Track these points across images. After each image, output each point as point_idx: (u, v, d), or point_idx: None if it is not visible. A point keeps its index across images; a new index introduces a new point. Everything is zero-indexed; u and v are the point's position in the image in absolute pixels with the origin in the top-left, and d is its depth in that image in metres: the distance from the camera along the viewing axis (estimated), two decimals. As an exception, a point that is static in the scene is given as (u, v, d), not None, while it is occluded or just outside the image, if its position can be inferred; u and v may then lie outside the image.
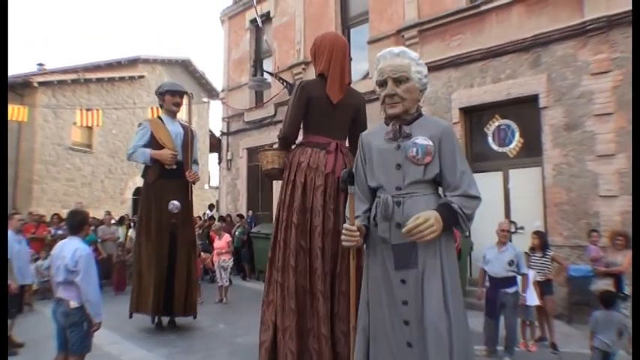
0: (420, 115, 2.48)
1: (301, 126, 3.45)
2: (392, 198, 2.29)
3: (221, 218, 12.32)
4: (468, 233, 8.33)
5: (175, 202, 5.94)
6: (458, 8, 9.08)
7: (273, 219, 3.39)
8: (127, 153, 6.37)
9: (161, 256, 6.02)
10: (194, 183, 6.41)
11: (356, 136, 3.35)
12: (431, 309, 2.17)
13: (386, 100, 2.41)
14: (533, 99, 8.04)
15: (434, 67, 9.39)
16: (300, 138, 3.53)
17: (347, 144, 3.55)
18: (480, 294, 5.69)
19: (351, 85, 3.66)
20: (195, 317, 6.42)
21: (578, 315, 6.97)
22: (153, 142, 6.14)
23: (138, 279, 6.15)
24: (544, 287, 5.90)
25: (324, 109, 3.28)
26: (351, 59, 3.88)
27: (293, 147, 3.47)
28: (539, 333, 6.07)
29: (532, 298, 5.70)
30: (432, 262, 2.24)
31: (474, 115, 9.11)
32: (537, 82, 7.97)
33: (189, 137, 6.42)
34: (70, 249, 3.64)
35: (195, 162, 6.66)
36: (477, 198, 2.32)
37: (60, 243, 3.96)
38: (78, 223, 3.87)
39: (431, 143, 2.30)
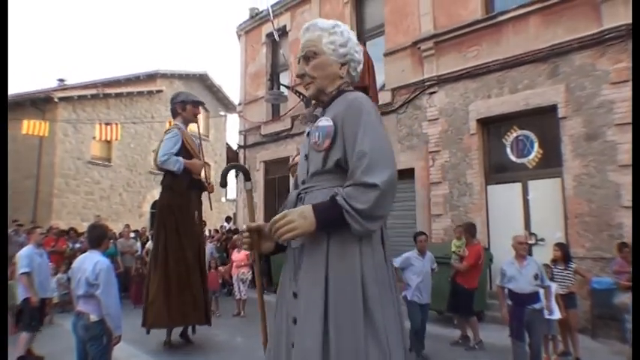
0: (340, 92, 2.01)
1: None
2: (296, 194, 1.98)
3: (237, 231, 12.31)
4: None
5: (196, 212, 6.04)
6: (474, 19, 9.06)
7: None
8: (160, 159, 6.05)
9: (186, 267, 5.99)
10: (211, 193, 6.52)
11: None
12: (299, 334, 1.77)
13: (300, 82, 2.09)
14: (551, 109, 7.96)
15: (451, 79, 9.39)
16: None
17: None
18: (505, 314, 5.38)
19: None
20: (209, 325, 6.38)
21: (602, 329, 6.81)
22: (184, 151, 6.13)
23: (165, 291, 5.97)
24: (567, 300, 5.77)
25: None
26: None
27: None
28: (562, 347, 5.94)
29: (555, 312, 5.57)
30: (311, 272, 1.80)
31: (492, 127, 9.03)
32: (556, 92, 7.89)
33: (202, 148, 6.57)
34: (91, 262, 3.67)
35: None
36: (375, 187, 1.67)
37: (81, 256, 4.00)
38: (97, 237, 3.92)
39: (331, 124, 1.86)
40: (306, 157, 1.99)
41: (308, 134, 2.01)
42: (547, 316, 5.41)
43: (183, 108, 6.40)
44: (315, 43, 2.01)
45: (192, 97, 6.73)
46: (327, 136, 1.85)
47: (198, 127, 6.95)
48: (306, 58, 2.03)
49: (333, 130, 1.84)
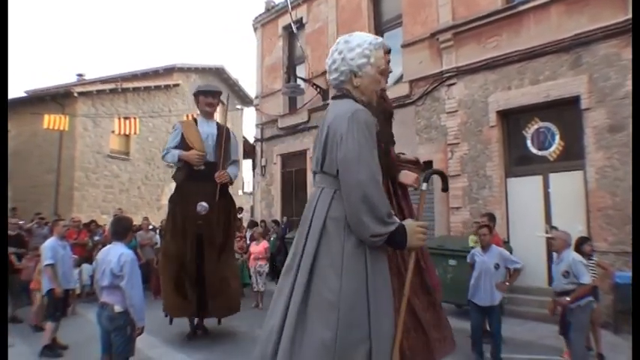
0: None
1: None
2: None
3: (253, 223, 12.34)
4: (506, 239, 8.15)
5: (203, 204, 5.88)
6: (494, 9, 8.93)
7: None
8: (162, 154, 6.45)
9: (184, 258, 5.98)
10: (225, 183, 6.28)
11: None
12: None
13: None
14: (574, 101, 7.82)
15: (469, 70, 9.28)
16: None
17: None
18: (551, 307, 5.18)
19: (386, 89, 3.50)
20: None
21: (625, 324, 6.71)
22: (183, 143, 6.13)
23: (164, 281, 6.14)
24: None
25: None
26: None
27: None
28: (585, 343, 5.85)
29: None
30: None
31: (512, 118, 8.92)
32: (578, 83, 7.75)
33: (222, 138, 6.29)
34: (116, 254, 3.72)
35: (234, 162, 6.57)
36: None
37: (105, 248, 4.05)
38: (122, 229, 3.96)
39: None
40: None
41: None
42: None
43: (197, 100, 6.48)
44: None
45: (201, 87, 6.72)
46: None
47: (224, 118, 6.77)
48: None
49: None
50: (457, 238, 8.38)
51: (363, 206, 1.90)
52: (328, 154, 2.07)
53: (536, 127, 8.55)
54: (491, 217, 6.92)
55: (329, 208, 2.05)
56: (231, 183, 6.45)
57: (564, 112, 8.15)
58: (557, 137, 8.27)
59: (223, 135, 6.32)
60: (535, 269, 7.80)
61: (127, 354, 3.86)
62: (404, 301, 2.07)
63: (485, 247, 5.55)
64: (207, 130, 6.31)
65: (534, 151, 8.55)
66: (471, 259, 5.77)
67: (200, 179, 6.08)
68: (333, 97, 2.28)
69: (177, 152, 6.08)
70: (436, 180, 9.64)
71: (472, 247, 6.95)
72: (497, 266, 5.37)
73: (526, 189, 8.53)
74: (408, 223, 2.03)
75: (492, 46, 9.00)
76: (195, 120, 6.50)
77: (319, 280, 2.00)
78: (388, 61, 2.33)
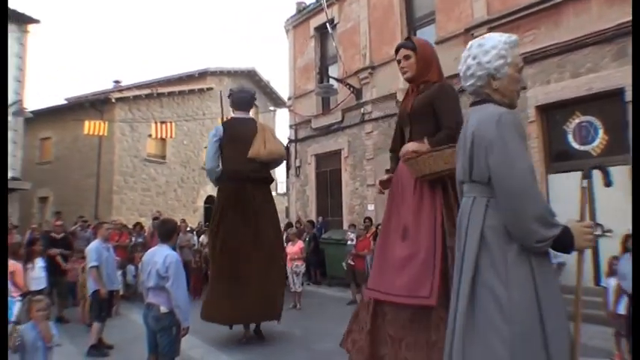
0: None
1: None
2: None
3: (288, 224, 12.39)
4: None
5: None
6: (530, 2, 8.70)
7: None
8: (206, 169, 6.74)
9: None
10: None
11: (448, 128, 3.17)
12: None
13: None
14: (617, 93, 7.54)
15: (506, 65, 9.07)
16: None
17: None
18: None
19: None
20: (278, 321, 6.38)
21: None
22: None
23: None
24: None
25: None
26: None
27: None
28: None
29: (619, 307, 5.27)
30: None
31: (552, 113, 8.67)
32: (622, 75, 7.46)
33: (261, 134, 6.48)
34: (161, 255, 3.79)
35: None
36: None
37: (150, 250, 4.13)
38: (168, 231, 4.04)
39: None
40: None
41: None
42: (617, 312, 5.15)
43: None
44: None
45: (235, 90, 6.85)
46: None
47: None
48: None
49: None
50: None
51: (525, 211, 1.84)
52: (476, 162, 2.01)
53: (577, 121, 8.29)
54: None
55: (485, 217, 1.99)
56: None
57: (607, 105, 7.87)
58: (601, 131, 8.00)
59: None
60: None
61: (173, 354, 3.92)
62: (576, 304, 2.07)
63: None
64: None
65: (576, 146, 8.29)
66: None
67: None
68: (472, 104, 2.21)
69: (213, 171, 6.40)
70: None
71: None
72: None
73: (568, 185, 8.25)
74: (572, 224, 1.96)
75: (529, 39, 8.78)
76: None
77: (484, 293, 1.94)
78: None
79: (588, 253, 7.81)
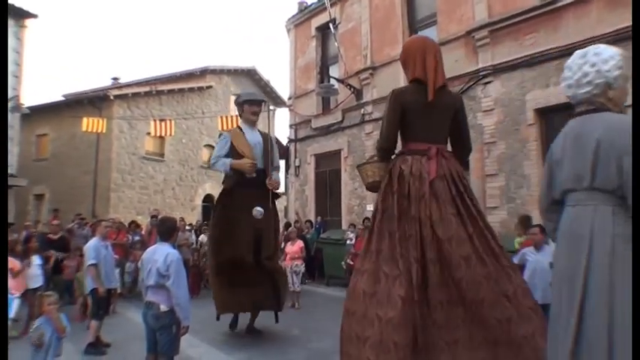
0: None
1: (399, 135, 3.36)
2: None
3: (287, 225, 12.38)
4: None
5: (259, 209, 5.98)
6: (532, 6, 8.74)
7: (369, 229, 3.29)
8: (211, 162, 6.61)
9: (242, 260, 6.06)
10: (275, 190, 6.47)
11: (460, 140, 3.19)
12: None
13: None
14: (616, 97, 7.58)
15: (506, 68, 9.12)
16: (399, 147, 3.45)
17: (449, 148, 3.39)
18: None
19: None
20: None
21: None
22: (233, 152, 6.25)
23: (217, 282, 6.27)
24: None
25: (420, 114, 3.14)
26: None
27: (393, 157, 3.36)
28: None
29: None
30: None
31: (551, 116, 8.70)
32: (622, 79, 7.50)
33: (268, 145, 6.46)
34: (162, 253, 3.79)
35: (276, 169, 6.71)
36: None
37: (151, 248, 4.13)
38: (168, 229, 4.04)
39: None
40: None
41: None
42: None
43: (241, 109, 6.60)
44: None
45: (246, 96, 6.84)
46: None
47: (269, 125, 7.08)
48: None
49: None
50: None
51: None
52: (602, 169, 1.97)
53: (576, 125, 8.31)
54: (522, 220, 6.80)
55: (613, 225, 1.94)
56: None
57: (607, 109, 7.91)
58: (599, 135, 8.04)
59: (268, 142, 6.49)
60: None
61: (173, 353, 3.92)
62: None
63: (538, 247, 5.60)
64: (254, 138, 6.45)
65: (574, 149, 8.32)
66: (521, 259, 5.71)
67: (251, 186, 6.21)
68: (583, 112, 2.18)
69: (228, 161, 6.20)
70: (472, 181, 9.52)
71: (516, 249, 6.82)
72: (551, 265, 5.36)
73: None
74: None
75: (530, 43, 8.82)
76: (240, 129, 6.62)
77: (624, 318, 1.84)
78: None
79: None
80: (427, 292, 2.77)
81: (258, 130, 6.70)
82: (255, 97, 6.80)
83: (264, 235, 6.23)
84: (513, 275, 2.86)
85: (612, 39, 7.64)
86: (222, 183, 6.60)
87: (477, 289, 2.73)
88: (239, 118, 7.02)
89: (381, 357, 2.62)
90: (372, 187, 3.40)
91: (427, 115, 3.12)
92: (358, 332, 2.79)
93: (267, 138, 6.53)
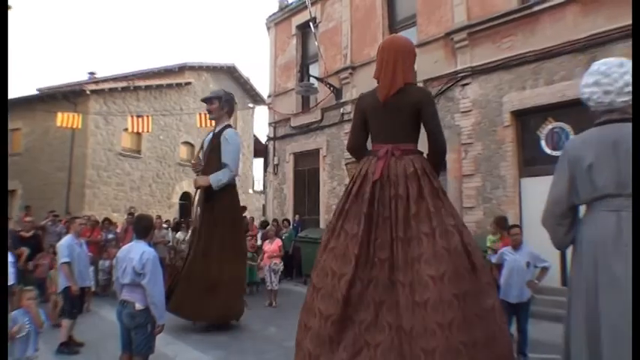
0: None
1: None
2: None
3: (265, 224, 12.34)
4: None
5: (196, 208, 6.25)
6: (509, 9, 8.89)
7: (327, 226, 3.40)
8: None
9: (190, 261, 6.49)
10: (197, 187, 6.57)
11: (428, 138, 3.17)
12: None
13: None
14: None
15: (484, 70, 9.25)
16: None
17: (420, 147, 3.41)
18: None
19: None
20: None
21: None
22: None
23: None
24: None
25: (376, 115, 3.17)
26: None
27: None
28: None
29: None
30: None
31: (527, 118, 8.88)
32: (594, 84, 7.68)
33: (214, 142, 6.56)
34: (138, 252, 3.74)
35: (225, 165, 6.52)
36: None
37: (126, 246, 4.08)
38: (144, 227, 3.99)
39: None
40: None
41: None
42: None
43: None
44: None
45: (229, 95, 6.95)
46: None
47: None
48: None
49: None
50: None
51: None
52: None
53: (550, 127, 8.49)
54: (499, 220, 6.94)
55: None
56: (215, 188, 6.44)
57: (580, 112, 8.03)
58: (571, 137, 8.22)
59: (214, 139, 6.55)
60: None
61: (148, 351, 3.88)
62: None
63: (516, 246, 5.74)
64: (207, 137, 6.65)
65: (548, 151, 8.49)
66: (499, 259, 5.84)
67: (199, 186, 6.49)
68: (615, 120, 2.20)
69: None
70: (449, 181, 9.64)
71: (489, 248, 6.94)
72: (528, 264, 5.55)
73: (540, 189, 8.38)
74: None
75: (507, 46, 8.97)
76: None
77: None
78: None
79: (557, 255, 8.01)
80: (367, 292, 2.83)
81: (222, 128, 6.69)
82: (207, 96, 6.87)
83: (201, 232, 6.43)
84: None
85: (585, 44, 7.84)
86: None
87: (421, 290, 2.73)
88: None
89: (317, 348, 2.83)
90: None
91: (382, 116, 3.12)
92: (305, 322, 3.00)
93: (218, 134, 6.57)
